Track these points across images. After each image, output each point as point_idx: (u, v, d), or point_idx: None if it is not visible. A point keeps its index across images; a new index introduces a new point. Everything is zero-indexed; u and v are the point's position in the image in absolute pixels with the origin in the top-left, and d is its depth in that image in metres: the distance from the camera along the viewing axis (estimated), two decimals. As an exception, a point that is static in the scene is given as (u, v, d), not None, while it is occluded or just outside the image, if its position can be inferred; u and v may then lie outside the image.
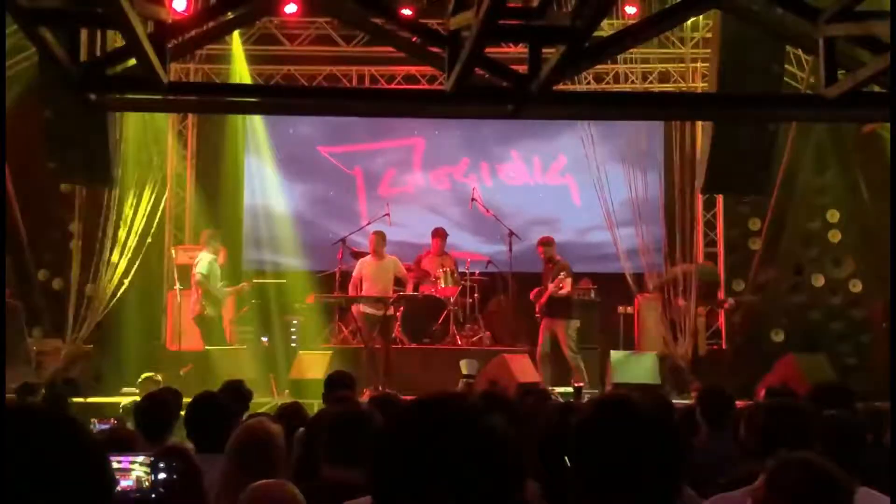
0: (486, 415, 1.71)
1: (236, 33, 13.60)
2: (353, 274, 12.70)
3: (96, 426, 6.85)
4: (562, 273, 12.24)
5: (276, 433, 3.96)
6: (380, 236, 12.66)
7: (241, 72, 13.89)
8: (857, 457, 4.24)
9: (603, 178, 13.80)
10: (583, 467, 2.28)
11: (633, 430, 2.25)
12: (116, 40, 7.09)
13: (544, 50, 6.57)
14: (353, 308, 12.56)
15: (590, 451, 2.28)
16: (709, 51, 10.65)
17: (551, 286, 12.21)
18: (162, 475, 2.57)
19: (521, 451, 1.71)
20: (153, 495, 2.55)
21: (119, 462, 2.58)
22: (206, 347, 12.29)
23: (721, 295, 13.84)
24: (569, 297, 12.41)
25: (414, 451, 1.63)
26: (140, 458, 2.60)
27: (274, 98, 8.40)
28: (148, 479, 2.57)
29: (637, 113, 8.54)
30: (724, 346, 13.89)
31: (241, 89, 10.23)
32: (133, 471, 2.58)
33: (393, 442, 1.68)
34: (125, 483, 2.55)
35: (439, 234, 13.46)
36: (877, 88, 7.05)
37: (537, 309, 12.50)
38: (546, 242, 12.66)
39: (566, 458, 2.31)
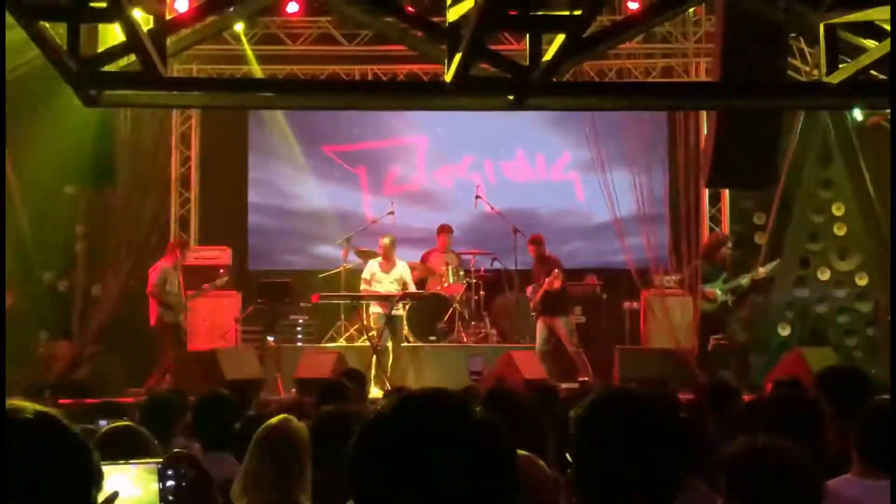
0: (473, 410, 1.64)
1: (242, 36, 13.62)
2: (366, 275, 12.70)
3: (99, 424, 6.84)
4: (555, 270, 12.23)
5: (302, 430, 3.91)
6: (391, 241, 12.66)
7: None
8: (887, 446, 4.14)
9: (607, 174, 13.78)
10: (584, 460, 2.27)
11: (633, 422, 2.24)
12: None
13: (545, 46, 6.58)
14: (364, 308, 12.59)
15: (590, 443, 2.26)
16: (711, 46, 10.63)
17: (547, 281, 12.20)
18: (170, 483, 2.52)
19: (512, 450, 1.65)
20: (160, 504, 2.51)
21: (126, 470, 2.53)
22: (213, 348, 12.31)
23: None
24: (564, 293, 12.40)
25: (397, 451, 1.57)
26: (148, 466, 2.55)
27: (274, 93, 8.40)
28: (155, 488, 2.52)
29: (639, 102, 8.53)
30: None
31: (241, 84, 10.20)
32: (139, 478, 2.53)
33: (376, 440, 1.61)
34: (130, 492, 2.50)
35: (445, 230, 13.46)
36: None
37: (532, 307, 12.50)
38: (536, 241, 12.65)
39: (567, 452, 2.29)
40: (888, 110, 9.64)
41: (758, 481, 2.67)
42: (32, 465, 1.53)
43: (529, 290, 12.59)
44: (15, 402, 1.64)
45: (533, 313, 12.55)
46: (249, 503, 3.64)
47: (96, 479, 1.63)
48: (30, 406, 1.60)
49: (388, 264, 12.63)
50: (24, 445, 1.53)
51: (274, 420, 3.90)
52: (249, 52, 13.74)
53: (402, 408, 1.62)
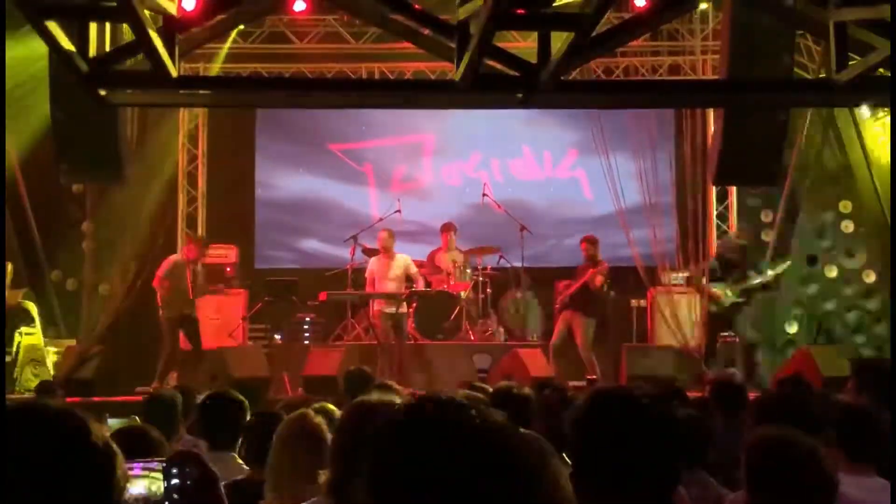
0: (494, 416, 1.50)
1: (233, 34, 13.63)
2: (367, 272, 12.74)
3: (108, 422, 6.87)
4: (600, 273, 12.21)
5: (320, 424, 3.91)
6: (389, 235, 12.68)
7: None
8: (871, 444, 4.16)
9: (614, 172, 13.77)
10: (580, 459, 2.29)
11: (628, 421, 2.25)
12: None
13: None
14: (370, 306, 12.61)
15: (586, 442, 2.28)
16: (719, 43, 10.61)
17: (590, 272, 12.18)
18: (175, 481, 2.52)
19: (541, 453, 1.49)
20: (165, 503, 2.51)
21: (130, 468, 2.53)
22: (220, 346, 12.34)
23: None
24: (596, 295, 12.38)
25: (414, 460, 1.44)
26: (153, 465, 2.55)
27: (283, 91, 8.40)
28: (160, 487, 2.51)
29: (647, 100, 8.52)
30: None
31: (251, 83, 10.22)
32: (144, 477, 2.53)
33: (393, 450, 1.47)
34: (135, 490, 2.50)
35: (449, 228, 13.45)
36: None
37: (559, 301, 12.48)
38: (591, 241, 12.59)
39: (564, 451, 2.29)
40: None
41: (779, 471, 2.68)
42: (57, 462, 1.52)
43: (562, 285, 12.57)
44: (38, 399, 1.63)
45: (557, 307, 12.54)
46: (274, 498, 3.65)
47: (120, 482, 1.62)
48: (57, 402, 1.60)
49: (387, 259, 12.63)
50: (50, 441, 1.52)
51: (294, 415, 3.91)
52: (224, 50, 13.74)
53: (419, 415, 1.51)
